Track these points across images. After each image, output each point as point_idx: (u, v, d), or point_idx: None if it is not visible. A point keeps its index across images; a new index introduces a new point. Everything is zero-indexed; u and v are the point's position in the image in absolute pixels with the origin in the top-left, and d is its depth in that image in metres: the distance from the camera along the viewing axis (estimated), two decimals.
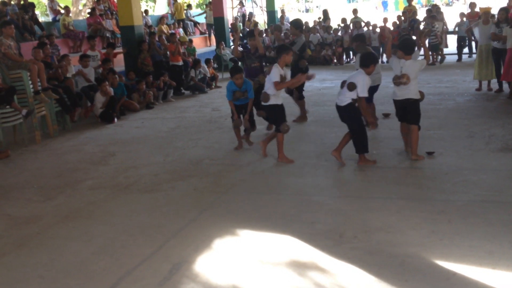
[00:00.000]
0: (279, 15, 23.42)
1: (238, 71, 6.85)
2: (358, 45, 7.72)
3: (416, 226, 4.21)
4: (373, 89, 7.98)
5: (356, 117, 5.98)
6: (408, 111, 6.07)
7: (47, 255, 4.10)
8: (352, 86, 5.81)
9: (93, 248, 4.18)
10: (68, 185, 5.95)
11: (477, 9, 15.73)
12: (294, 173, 5.88)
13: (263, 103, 6.36)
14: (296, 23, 8.80)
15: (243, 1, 24.54)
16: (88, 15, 16.57)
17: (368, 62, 5.87)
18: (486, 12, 11.13)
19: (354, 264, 3.63)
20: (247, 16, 23.47)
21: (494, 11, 12.21)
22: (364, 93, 5.82)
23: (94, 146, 7.84)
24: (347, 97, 5.89)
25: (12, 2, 14.82)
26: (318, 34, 18.55)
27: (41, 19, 22.15)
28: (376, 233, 4.13)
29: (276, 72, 6.12)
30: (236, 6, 24.33)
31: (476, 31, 10.85)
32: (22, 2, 14.71)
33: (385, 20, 17.51)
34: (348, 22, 18.74)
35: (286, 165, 6.12)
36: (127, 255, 4.00)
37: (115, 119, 9.72)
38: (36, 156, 7.47)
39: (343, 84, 6.00)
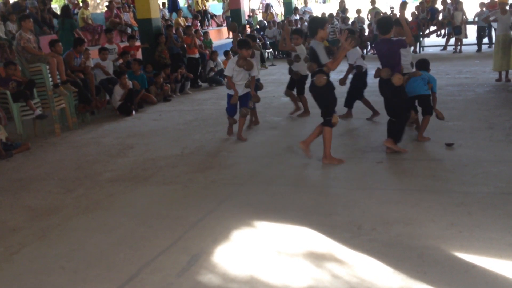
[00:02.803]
0: (299, 6, 23.32)
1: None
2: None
3: (435, 218, 4.18)
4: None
5: None
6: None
7: (68, 246, 4.15)
8: None
9: (112, 239, 4.23)
10: (87, 177, 6.02)
11: None
12: (312, 165, 5.86)
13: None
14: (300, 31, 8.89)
15: None
16: (105, 8, 16.66)
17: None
18: (503, 1, 10.98)
19: (372, 256, 3.62)
20: (265, 8, 23.42)
21: None
22: None
23: (112, 139, 7.91)
24: None
25: None
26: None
27: None
28: (395, 225, 4.10)
29: None
30: None
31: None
32: None
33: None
34: (367, 13, 18.61)
35: (303, 157, 6.09)
36: (146, 246, 4.04)
37: (133, 112, 9.79)
38: (56, 148, 7.56)
39: None
